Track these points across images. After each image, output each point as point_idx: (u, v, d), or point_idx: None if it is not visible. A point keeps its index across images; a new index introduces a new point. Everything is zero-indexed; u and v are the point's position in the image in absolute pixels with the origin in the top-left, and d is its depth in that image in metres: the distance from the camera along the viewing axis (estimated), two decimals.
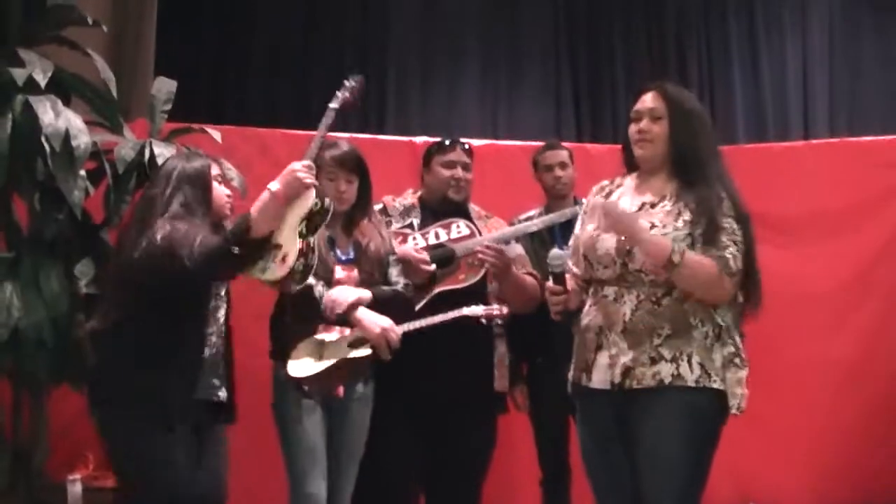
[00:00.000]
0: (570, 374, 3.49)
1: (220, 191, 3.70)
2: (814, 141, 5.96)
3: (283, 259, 3.45)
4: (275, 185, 3.38)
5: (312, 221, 3.56)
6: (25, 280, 3.99)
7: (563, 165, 4.83)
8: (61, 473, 4.34)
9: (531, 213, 4.78)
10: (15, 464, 4.05)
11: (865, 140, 5.63)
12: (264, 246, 3.39)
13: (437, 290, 4.15)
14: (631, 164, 3.53)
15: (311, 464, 3.84)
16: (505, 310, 4.04)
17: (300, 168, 3.45)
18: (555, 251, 3.43)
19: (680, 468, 3.21)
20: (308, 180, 3.47)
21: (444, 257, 4.18)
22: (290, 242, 3.48)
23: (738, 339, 3.32)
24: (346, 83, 3.80)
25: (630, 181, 3.52)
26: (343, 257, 3.99)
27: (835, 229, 5.47)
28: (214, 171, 3.69)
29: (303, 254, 3.54)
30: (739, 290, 3.31)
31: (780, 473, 5.25)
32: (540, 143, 5.07)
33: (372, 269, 3.99)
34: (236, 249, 3.29)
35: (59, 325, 3.97)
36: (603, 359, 3.31)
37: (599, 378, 3.32)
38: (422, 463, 4.18)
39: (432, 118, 7.93)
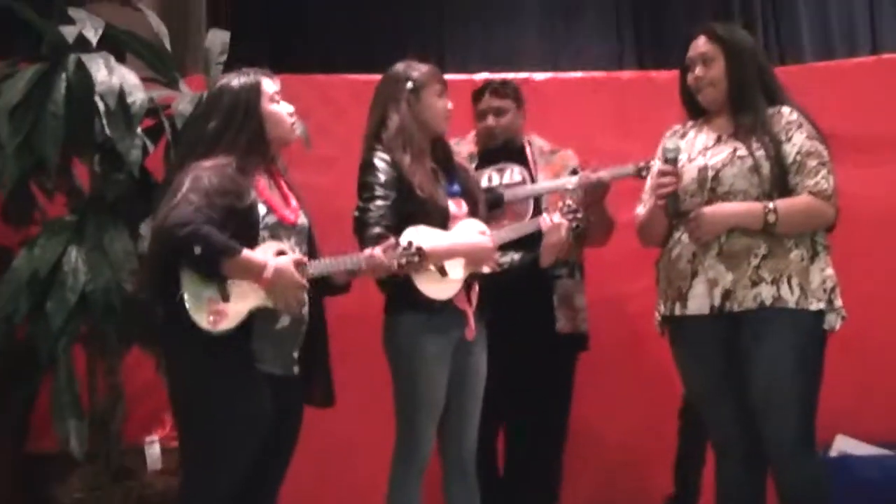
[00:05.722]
0: (660, 308, 3.48)
1: (279, 109, 3.35)
2: (884, 56, 5.71)
3: (213, 321, 3.09)
4: (269, 270, 3.08)
5: None
6: (90, 243, 3.94)
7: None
8: (139, 437, 4.28)
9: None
10: (94, 431, 4.01)
11: None
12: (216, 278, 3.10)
13: None
14: (693, 111, 3.58)
15: (430, 421, 3.57)
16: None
17: (297, 283, 3.14)
18: (672, 140, 3.50)
19: (798, 402, 3.27)
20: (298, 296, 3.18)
21: (492, 201, 4.08)
22: (234, 311, 3.12)
23: (828, 258, 3.38)
24: None
25: (697, 123, 3.56)
26: (452, 189, 3.73)
27: None
28: (271, 87, 3.36)
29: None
30: None
31: (873, 406, 5.07)
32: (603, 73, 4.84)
33: (478, 201, 3.78)
34: (197, 249, 3.02)
35: (126, 288, 3.91)
36: (700, 285, 3.32)
37: (697, 304, 3.34)
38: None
39: (491, 53, 7.72)
